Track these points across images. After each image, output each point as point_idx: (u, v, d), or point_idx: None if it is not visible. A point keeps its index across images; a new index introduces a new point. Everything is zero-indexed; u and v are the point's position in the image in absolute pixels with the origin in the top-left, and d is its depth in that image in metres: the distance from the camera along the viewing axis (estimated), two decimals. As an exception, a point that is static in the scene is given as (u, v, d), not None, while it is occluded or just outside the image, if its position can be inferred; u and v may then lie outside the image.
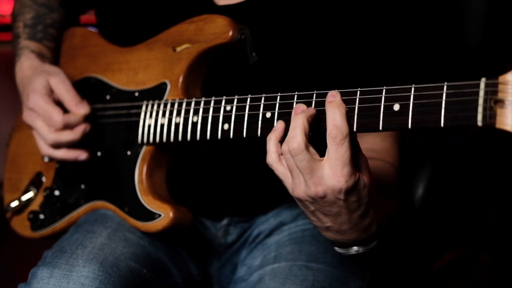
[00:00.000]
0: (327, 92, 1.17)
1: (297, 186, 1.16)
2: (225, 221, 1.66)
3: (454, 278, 2.45)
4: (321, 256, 1.50)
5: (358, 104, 1.14)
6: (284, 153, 1.14)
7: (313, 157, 1.12)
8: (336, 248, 1.28)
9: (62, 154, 1.53)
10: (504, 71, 1.00)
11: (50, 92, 1.53)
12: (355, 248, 1.25)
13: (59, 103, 1.53)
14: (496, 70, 1.04)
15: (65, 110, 1.52)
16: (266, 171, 1.56)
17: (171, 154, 1.49)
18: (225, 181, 1.60)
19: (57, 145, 1.52)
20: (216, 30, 1.40)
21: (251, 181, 1.59)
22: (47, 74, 1.55)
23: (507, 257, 2.42)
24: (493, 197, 2.41)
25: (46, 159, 1.67)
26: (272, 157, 1.18)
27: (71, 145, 1.52)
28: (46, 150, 1.54)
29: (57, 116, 1.50)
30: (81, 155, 1.53)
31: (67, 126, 1.50)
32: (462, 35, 1.67)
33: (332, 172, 1.11)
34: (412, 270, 1.82)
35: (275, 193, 1.60)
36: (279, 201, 1.64)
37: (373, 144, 1.47)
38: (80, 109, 1.51)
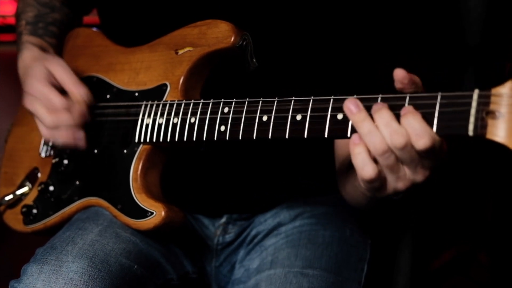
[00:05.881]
0: (323, 98, 1.20)
1: None
2: (224, 219, 1.67)
3: (453, 277, 2.44)
4: (316, 261, 1.52)
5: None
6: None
7: None
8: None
9: (61, 135, 1.53)
10: (503, 73, 1.02)
11: (49, 77, 1.55)
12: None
13: (58, 88, 1.54)
14: (495, 70, 1.06)
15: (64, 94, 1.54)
16: (264, 167, 1.59)
17: (167, 155, 1.51)
18: (223, 178, 1.62)
19: (56, 128, 1.53)
20: (219, 34, 1.43)
21: (250, 177, 1.61)
22: (45, 61, 1.58)
23: (506, 255, 2.41)
24: (492, 196, 2.41)
25: (43, 154, 1.68)
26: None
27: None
28: (46, 133, 1.55)
29: (56, 98, 1.52)
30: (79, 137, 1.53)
31: (67, 109, 1.52)
32: (463, 36, 1.68)
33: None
34: (411, 268, 1.83)
35: (274, 188, 1.63)
36: (279, 198, 1.66)
37: None
38: (79, 89, 1.53)
